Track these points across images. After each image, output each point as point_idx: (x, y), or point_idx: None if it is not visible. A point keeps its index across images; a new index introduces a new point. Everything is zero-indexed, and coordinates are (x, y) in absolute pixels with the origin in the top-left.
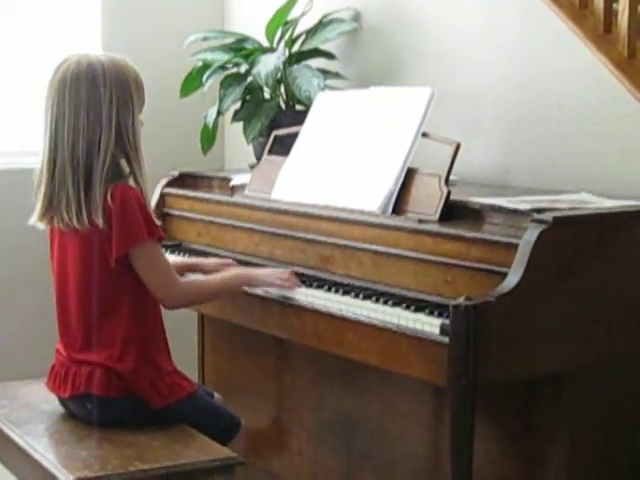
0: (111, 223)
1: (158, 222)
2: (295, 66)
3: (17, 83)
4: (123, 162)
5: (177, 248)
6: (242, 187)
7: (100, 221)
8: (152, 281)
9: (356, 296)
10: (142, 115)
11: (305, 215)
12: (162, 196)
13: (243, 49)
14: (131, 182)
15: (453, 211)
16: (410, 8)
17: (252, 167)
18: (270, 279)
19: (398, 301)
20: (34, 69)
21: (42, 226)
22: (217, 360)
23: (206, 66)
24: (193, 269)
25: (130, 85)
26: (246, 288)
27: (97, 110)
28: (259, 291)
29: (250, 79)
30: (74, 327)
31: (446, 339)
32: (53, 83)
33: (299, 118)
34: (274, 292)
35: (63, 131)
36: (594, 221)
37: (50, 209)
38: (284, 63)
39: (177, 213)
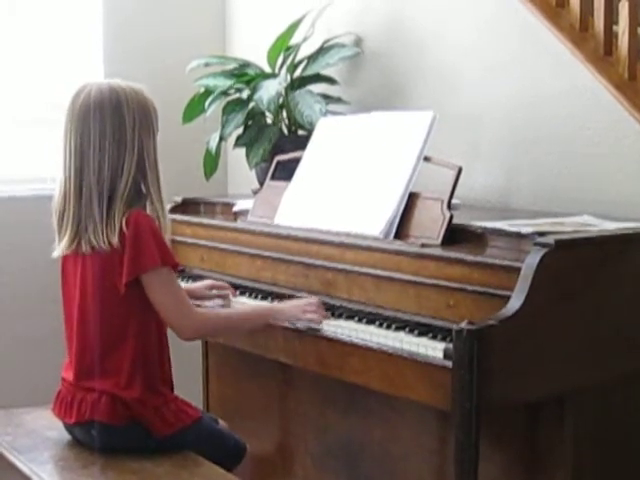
0: (124, 249)
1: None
2: (297, 91)
3: (20, 111)
4: (142, 185)
5: (180, 274)
6: (245, 212)
7: (115, 242)
8: (166, 310)
9: (359, 321)
10: None
11: (308, 240)
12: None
13: (245, 75)
14: (148, 206)
15: (455, 235)
16: (411, 33)
17: (255, 192)
18: (296, 313)
19: (401, 325)
20: (33, 97)
21: (58, 253)
22: (221, 386)
23: (208, 92)
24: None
25: (150, 111)
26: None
27: (122, 135)
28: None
29: (252, 105)
30: (82, 355)
31: (449, 363)
32: (74, 109)
33: (301, 143)
34: (297, 325)
35: (89, 156)
36: (596, 244)
37: (78, 234)
38: (286, 88)
39: (180, 239)
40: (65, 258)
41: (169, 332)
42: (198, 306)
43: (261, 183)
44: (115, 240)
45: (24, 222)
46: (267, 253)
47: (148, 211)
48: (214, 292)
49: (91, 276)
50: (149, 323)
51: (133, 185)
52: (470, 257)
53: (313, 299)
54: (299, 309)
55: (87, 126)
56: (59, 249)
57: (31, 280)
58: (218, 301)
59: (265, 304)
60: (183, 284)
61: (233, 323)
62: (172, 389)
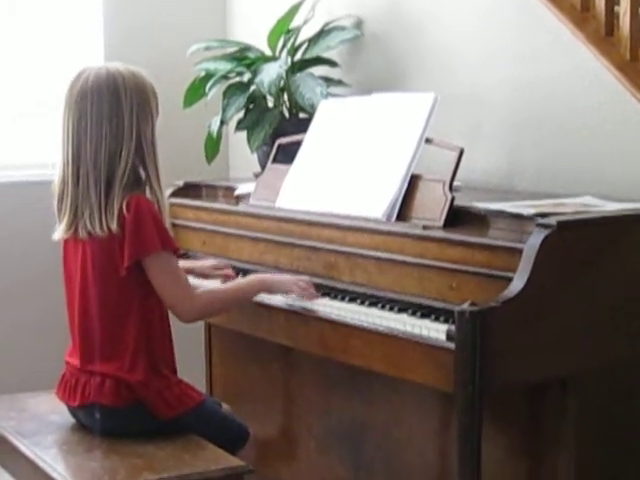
0: (124, 233)
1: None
2: (298, 74)
3: (22, 97)
4: (141, 170)
5: (182, 258)
6: (247, 196)
7: (114, 227)
8: (167, 293)
9: (361, 303)
10: None
11: (310, 223)
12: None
13: (246, 58)
14: (147, 190)
15: (457, 217)
16: (411, 14)
17: (256, 176)
18: (289, 286)
19: (403, 307)
20: (35, 82)
21: (58, 236)
22: (224, 370)
23: (209, 76)
24: (187, 272)
25: (149, 95)
26: (262, 297)
27: (119, 120)
28: (266, 300)
29: (253, 88)
30: (86, 337)
31: (452, 345)
32: (72, 94)
33: (303, 126)
34: (281, 299)
35: (86, 141)
36: (598, 225)
37: (75, 219)
38: (287, 71)
39: (182, 223)
40: (66, 242)
41: (170, 316)
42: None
43: (263, 166)
44: (114, 226)
45: (26, 207)
46: (269, 236)
47: (147, 196)
48: (217, 273)
49: (91, 260)
50: (151, 306)
51: (132, 170)
52: (472, 239)
53: (303, 277)
54: (290, 282)
55: (84, 111)
56: (58, 232)
57: (33, 265)
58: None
59: (257, 275)
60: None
61: (230, 300)
62: (175, 372)
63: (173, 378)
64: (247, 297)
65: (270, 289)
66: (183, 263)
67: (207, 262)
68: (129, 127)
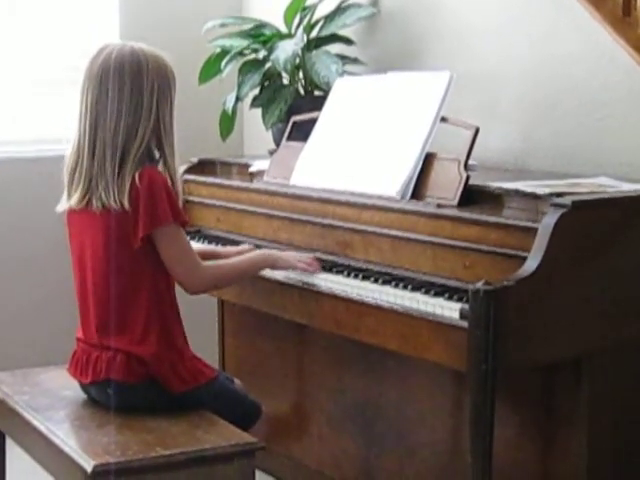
0: (137, 204)
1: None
2: (313, 52)
3: (37, 73)
4: (155, 150)
5: (196, 234)
6: (261, 173)
7: (126, 202)
8: (176, 265)
9: (375, 281)
10: None
11: (324, 200)
12: (181, 183)
13: (261, 35)
14: (160, 167)
15: (472, 196)
16: None
17: (271, 153)
18: (293, 262)
19: (417, 286)
20: (49, 60)
21: (64, 207)
22: (237, 346)
23: (224, 52)
24: (211, 257)
25: (169, 79)
26: (267, 272)
27: (139, 97)
28: (279, 277)
29: (268, 65)
30: (95, 312)
31: (465, 323)
32: (94, 68)
33: (318, 104)
34: (294, 277)
35: (105, 115)
36: (613, 205)
37: (89, 190)
38: (302, 49)
39: (196, 199)
40: (71, 215)
41: (180, 292)
42: None
43: (277, 144)
44: (125, 199)
45: (38, 183)
46: (283, 214)
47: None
48: None
49: (103, 233)
50: (162, 279)
51: (146, 149)
52: (487, 218)
53: (308, 254)
54: (294, 258)
55: (105, 86)
56: (67, 204)
57: (45, 240)
58: None
59: (261, 251)
60: (199, 244)
61: (236, 274)
62: (188, 348)
63: (187, 353)
64: (252, 272)
65: (274, 265)
66: (207, 248)
67: (233, 248)
68: (148, 108)
